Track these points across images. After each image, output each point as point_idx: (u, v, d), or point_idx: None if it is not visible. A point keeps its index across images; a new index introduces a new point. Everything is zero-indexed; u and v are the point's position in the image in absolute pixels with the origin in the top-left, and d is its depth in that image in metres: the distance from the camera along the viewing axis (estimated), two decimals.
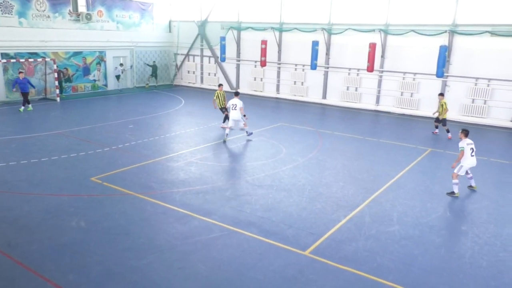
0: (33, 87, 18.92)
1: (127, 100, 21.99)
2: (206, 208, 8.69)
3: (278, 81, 24.25)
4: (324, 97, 22.66)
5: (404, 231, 7.92)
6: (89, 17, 22.66)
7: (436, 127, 15.94)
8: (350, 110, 21.04)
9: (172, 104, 21.19)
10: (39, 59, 20.88)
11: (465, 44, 18.22)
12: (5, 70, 19.87)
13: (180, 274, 6.34)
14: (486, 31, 17.47)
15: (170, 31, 28.48)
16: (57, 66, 20.91)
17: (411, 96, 20.00)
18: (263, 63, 22.68)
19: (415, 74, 19.68)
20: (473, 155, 9.74)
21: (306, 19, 22.25)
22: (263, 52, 22.32)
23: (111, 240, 7.29)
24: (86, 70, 23.55)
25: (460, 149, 9.70)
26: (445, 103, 15.36)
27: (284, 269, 6.50)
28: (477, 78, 18.17)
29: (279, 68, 24.03)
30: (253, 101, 22.26)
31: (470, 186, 10.23)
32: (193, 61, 28.10)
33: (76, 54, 22.82)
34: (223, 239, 7.43)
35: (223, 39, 23.85)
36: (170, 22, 28.36)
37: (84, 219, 8.01)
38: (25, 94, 17.79)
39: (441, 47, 17.61)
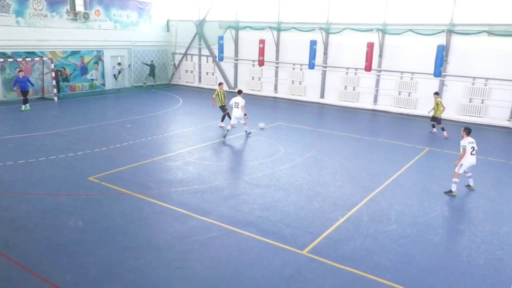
0: (33, 85, 18.95)
1: (125, 100, 21.95)
2: (204, 207, 8.69)
3: (276, 80, 24.25)
4: (322, 96, 22.67)
5: (401, 230, 7.94)
6: (86, 16, 22.63)
7: (433, 126, 15.99)
8: (348, 110, 21.06)
9: (170, 103, 21.16)
10: (37, 59, 20.81)
11: (462, 44, 18.27)
12: (3, 69, 19.81)
13: (178, 274, 6.34)
14: (484, 31, 17.51)
15: (168, 31, 28.44)
16: (54, 66, 20.85)
17: (409, 95, 20.04)
18: (261, 63, 22.67)
19: (412, 73, 19.71)
20: (473, 154, 9.74)
21: (304, 19, 22.26)
22: (261, 52, 22.30)
23: (109, 239, 7.28)
24: (84, 70, 23.49)
25: (461, 147, 9.69)
26: (440, 102, 15.42)
27: (282, 269, 6.51)
28: (474, 78, 18.21)
29: (277, 67, 24.03)
30: (251, 101, 22.18)
31: (468, 185, 10.25)
32: (191, 60, 28.07)
33: (74, 53, 22.76)
34: (221, 238, 7.43)
35: (221, 38, 23.83)
36: (168, 21, 28.32)
37: (81, 219, 8.00)
38: (25, 92, 17.83)
39: (438, 46, 17.66)
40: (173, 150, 12.90)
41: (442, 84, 19.02)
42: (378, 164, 12.05)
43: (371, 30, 20.03)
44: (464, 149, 9.63)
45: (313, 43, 20.67)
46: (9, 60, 19.41)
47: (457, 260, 6.99)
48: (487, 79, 17.91)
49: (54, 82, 20.72)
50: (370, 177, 10.90)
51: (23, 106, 17.87)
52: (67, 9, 22.14)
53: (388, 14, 19.83)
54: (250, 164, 11.87)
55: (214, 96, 15.74)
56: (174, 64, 28.64)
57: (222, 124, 15.89)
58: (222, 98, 15.65)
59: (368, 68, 19.37)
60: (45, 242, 7.13)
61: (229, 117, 15.59)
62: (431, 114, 15.91)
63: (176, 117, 18.18)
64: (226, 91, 16.24)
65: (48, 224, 7.78)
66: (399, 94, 20.29)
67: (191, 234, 7.55)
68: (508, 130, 17.37)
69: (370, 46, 19.08)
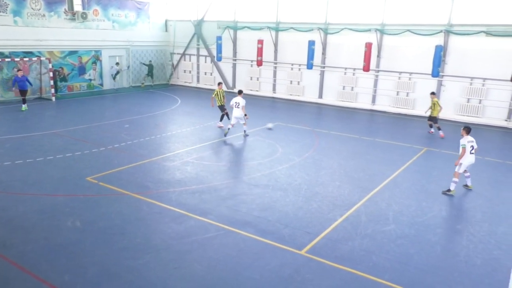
0: (31, 85, 18.93)
1: (123, 100, 21.92)
2: (202, 207, 8.69)
3: (275, 80, 24.26)
4: (320, 96, 22.69)
5: (400, 230, 7.95)
6: (84, 16, 22.59)
7: (431, 126, 16.01)
8: (346, 110, 21.08)
9: (168, 103, 21.14)
10: (34, 58, 20.77)
11: (460, 44, 18.31)
12: (0, 69, 19.75)
13: (176, 274, 6.34)
14: (481, 31, 17.55)
15: (166, 30, 28.41)
16: (52, 66, 20.80)
17: (407, 95, 20.07)
18: (259, 63, 22.68)
19: (410, 73, 19.75)
20: (472, 153, 9.75)
21: (302, 19, 22.26)
22: (260, 52, 22.32)
23: (107, 240, 7.27)
24: (82, 70, 23.44)
25: (461, 146, 9.69)
26: (437, 101, 15.47)
27: (281, 269, 6.52)
28: (472, 78, 18.26)
29: (275, 67, 24.04)
30: (249, 101, 21.99)
31: (466, 185, 10.26)
32: (189, 60, 28.05)
33: (72, 53, 22.72)
34: (219, 238, 7.43)
35: (219, 38, 23.83)
36: (166, 21, 28.29)
37: (80, 219, 7.98)
38: (24, 91, 17.79)
39: (436, 47, 17.71)
40: (171, 150, 12.89)
41: (440, 84, 19.06)
42: (376, 164, 12.07)
43: (369, 30, 20.05)
44: (464, 148, 9.63)
45: (311, 43, 20.69)
46: (7, 60, 19.36)
47: (455, 260, 7.01)
48: (484, 79, 17.95)
49: (52, 82, 20.67)
50: (368, 177, 10.92)
51: (23, 106, 17.85)
52: (65, 9, 22.10)
53: (386, 14, 19.86)
54: (248, 164, 11.87)
55: (213, 95, 15.77)
56: (172, 64, 28.62)
57: (220, 124, 15.89)
58: (222, 98, 15.69)
59: (366, 68, 19.39)
60: (43, 243, 7.12)
61: (228, 117, 15.63)
62: (428, 114, 15.95)
63: (174, 117, 18.17)
64: (225, 91, 16.26)
65: (46, 224, 7.77)
66: (397, 94, 20.32)
67: (189, 234, 7.55)
68: (505, 130, 17.42)
69: (368, 46, 19.11)
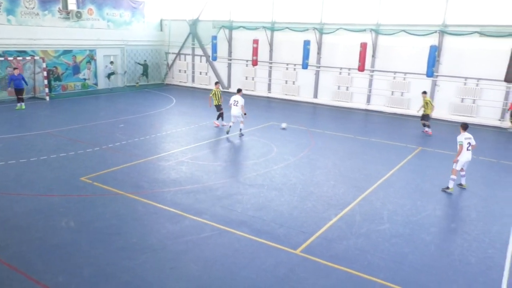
0: (27, 84, 18.82)
1: (118, 99, 21.82)
2: (197, 207, 8.67)
3: (270, 80, 24.27)
4: (316, 96, 22.74)
5: (394, 229, 7.99)
6: (79, 15, 22.45)
7: (424, 125, 16.09)
8: (341, 110, 21.14)
9: (163, 103, 21.08)
10: (28, 58, 20.61)
11: (454, 44, 18.43)
12: None
13: (173, 274, 6.32)
14: (475, 32, 17.68)
15: (161, 30, 28.33)
16: (46, 65, 20.66)
17: (402, 95, 20.17)
18: (255, 62, 22.67)
19: (405, 73, 19.84)
20: (469, 149, 9.80)
21: (297, 19, 22.30)
22: (255, 51, 22.31)
23: (103, 240, 7.24)
24: (76, 69, 23.31)
25: (458, 143, 9.75)
26: (429, 100, 15.57)
27: (276, 268, 6.53)
28: (466, 78, 18.39)
29: (270, 67, 24.05)
30: (245, 100, 22.19)
31: (460, 184, 10.30)
32: (185, 60, 27.99)
33: (66, 52, 22.58)
34: (214, 238, 7.42)
35: (214, 38, 23.80)
36: (161, 20, 28.21)
37: (74, 220, 7.94)
38: (19, 90, 17.68)
39: (431, 47, 17.81)
40: (166, 150, 12.85)
41: (434, 84, 19.17)
42: (371, 163, 12.12)
43: (365, 30, 20.13)
44: (461, 145, 9.68)
45: (306, 43, 20.73)
46: (0, 59, 19.20)
47: (449, 258, 7.05)
48: (478, 79, 18.09)
49: (46, 82, 20.53)
50: (363, 177, 10.96)
51: (18, 105, 17.78)
52: (59, 8, 21.96)
53: (381, 14, 19.94)
54: (243, 164, 11.87)
55: (211, 95, 15.81)
56: (168, 64, 28.54)
57: (217, 122, 15.92)
58: (219, 98, 15.71)
59: (361, 68, 19.46)
60: (38, 243, 7.07)
61: (222, 118, 15.73)
62: (421, 113, 16.06)
63: (169, 117, 18.12)
64: (221, 91, 16.26)
65: (40, 225, 7.72)
66: (392, 94, 20.41)
67: (185, 234, 7.54)
68: (499, 129, 17.56)
69: (364, 46, 19.18)
